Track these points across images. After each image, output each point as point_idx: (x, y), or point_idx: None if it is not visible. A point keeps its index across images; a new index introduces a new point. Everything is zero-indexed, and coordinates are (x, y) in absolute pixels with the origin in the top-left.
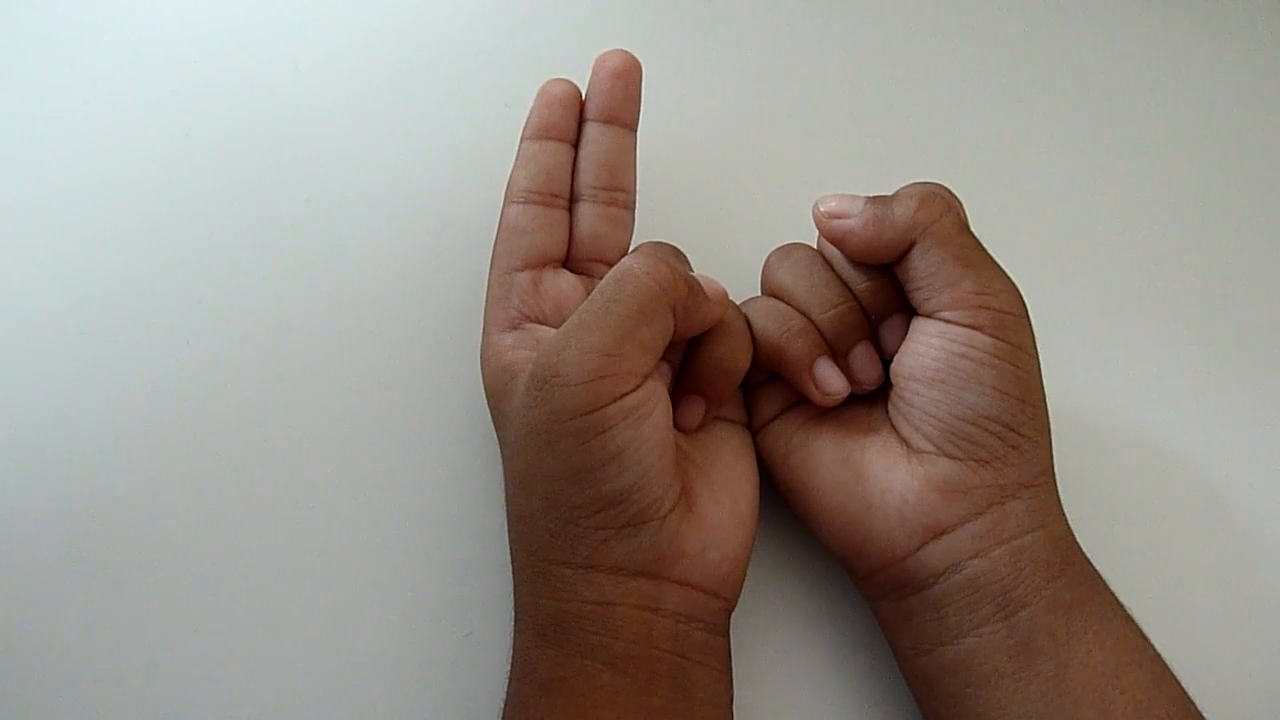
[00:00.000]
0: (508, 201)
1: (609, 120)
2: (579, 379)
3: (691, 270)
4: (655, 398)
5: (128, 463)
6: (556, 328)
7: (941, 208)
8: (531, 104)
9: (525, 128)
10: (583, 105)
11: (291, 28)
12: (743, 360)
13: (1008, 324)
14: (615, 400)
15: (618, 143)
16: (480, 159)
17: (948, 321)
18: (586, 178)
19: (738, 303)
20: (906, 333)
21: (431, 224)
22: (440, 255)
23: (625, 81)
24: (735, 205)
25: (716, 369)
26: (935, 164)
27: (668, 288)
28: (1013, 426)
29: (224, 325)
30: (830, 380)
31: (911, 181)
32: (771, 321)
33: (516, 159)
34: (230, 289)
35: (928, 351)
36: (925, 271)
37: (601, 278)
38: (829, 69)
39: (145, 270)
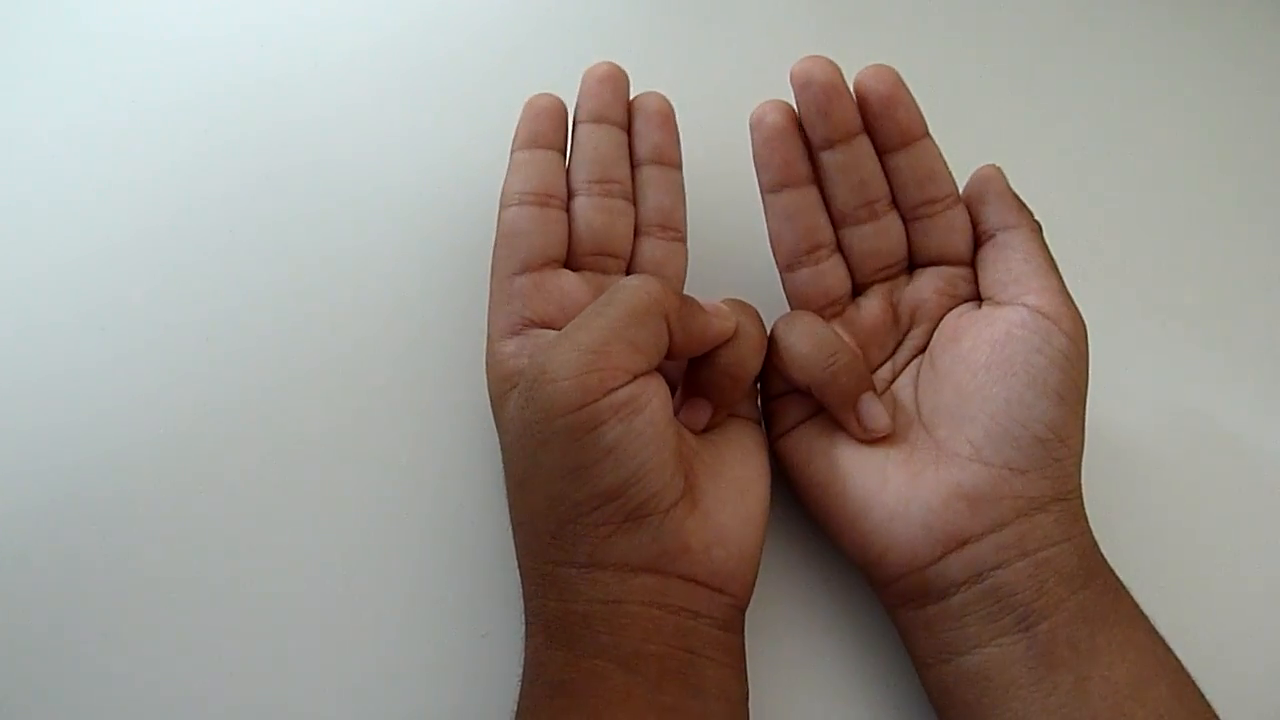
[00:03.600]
0: (503, 207)
1: (598, 120)
2: (566, 374)
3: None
4: (649, 392)
5: (147, 460)
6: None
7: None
8: (518, 118)
9: (514, 140)
10: (567, 115)
11: (311, 27)
12: (752, 366)
13: (1081, 331)
14: (605, 395)
15: (609, 138)
16: (502, 159)
17: (1033, 309)
18: (580, 173)
19: (769, 322)
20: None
21: (454, 224)
22: (464, 255)
23: (613, 85)
24: (751, 212)
25: (724, 374)
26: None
27: (659, 298)
28: (1061, 436)
29: (243, 324)
30: (876, 417)
31: None
32: (817, 351)
33: (508, 169)
34: (250, 288)
35: (995, 337)
36: (1019, 256)
37: (609, 273)
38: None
39: (164, 268)
